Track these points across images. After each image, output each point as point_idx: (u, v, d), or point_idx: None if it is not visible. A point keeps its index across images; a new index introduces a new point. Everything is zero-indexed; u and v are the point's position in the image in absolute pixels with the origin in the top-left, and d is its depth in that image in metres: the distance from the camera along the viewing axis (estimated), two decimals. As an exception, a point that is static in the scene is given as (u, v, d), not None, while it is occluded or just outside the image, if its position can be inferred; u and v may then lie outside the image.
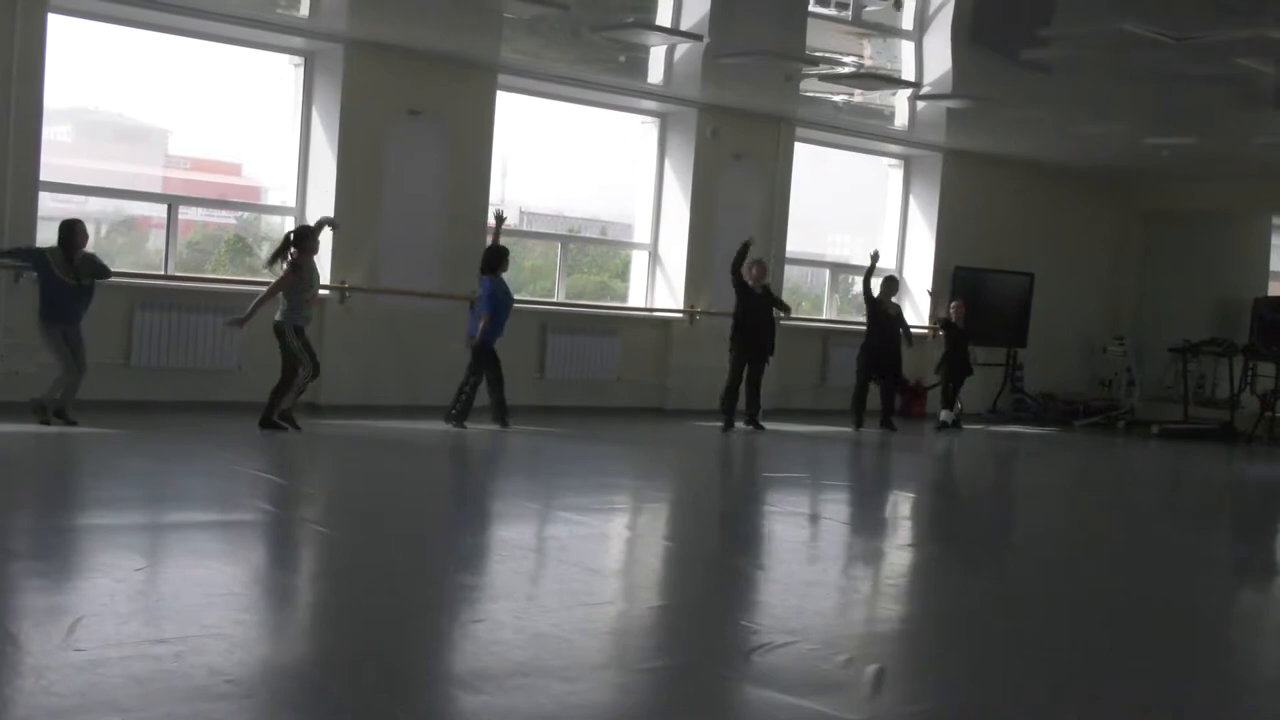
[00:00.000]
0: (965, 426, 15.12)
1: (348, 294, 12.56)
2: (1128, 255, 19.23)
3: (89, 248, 10.30)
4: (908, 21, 11.77)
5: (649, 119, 15.12)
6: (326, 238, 11.98)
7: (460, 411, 11.73)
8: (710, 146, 14.87)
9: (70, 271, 10.08)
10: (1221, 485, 13.71)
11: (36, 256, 10.21)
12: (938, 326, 15.65)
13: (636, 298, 15.22)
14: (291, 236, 10.95)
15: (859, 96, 13.99)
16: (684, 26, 11.19)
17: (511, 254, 12.25)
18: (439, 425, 11.96)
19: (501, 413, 11.83)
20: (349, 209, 12.56)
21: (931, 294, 16.44)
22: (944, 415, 14.95)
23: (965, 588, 7.30)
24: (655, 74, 13.41)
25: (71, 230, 10.15)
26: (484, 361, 11.76)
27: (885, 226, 17.64)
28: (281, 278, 10.77)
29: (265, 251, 11.71)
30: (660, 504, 9.87)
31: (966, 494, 11.68)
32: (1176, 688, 5.51)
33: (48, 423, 9.89)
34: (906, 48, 12.06)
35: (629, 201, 15.50)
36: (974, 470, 12.71)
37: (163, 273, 11.96)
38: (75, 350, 10.17)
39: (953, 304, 15.44)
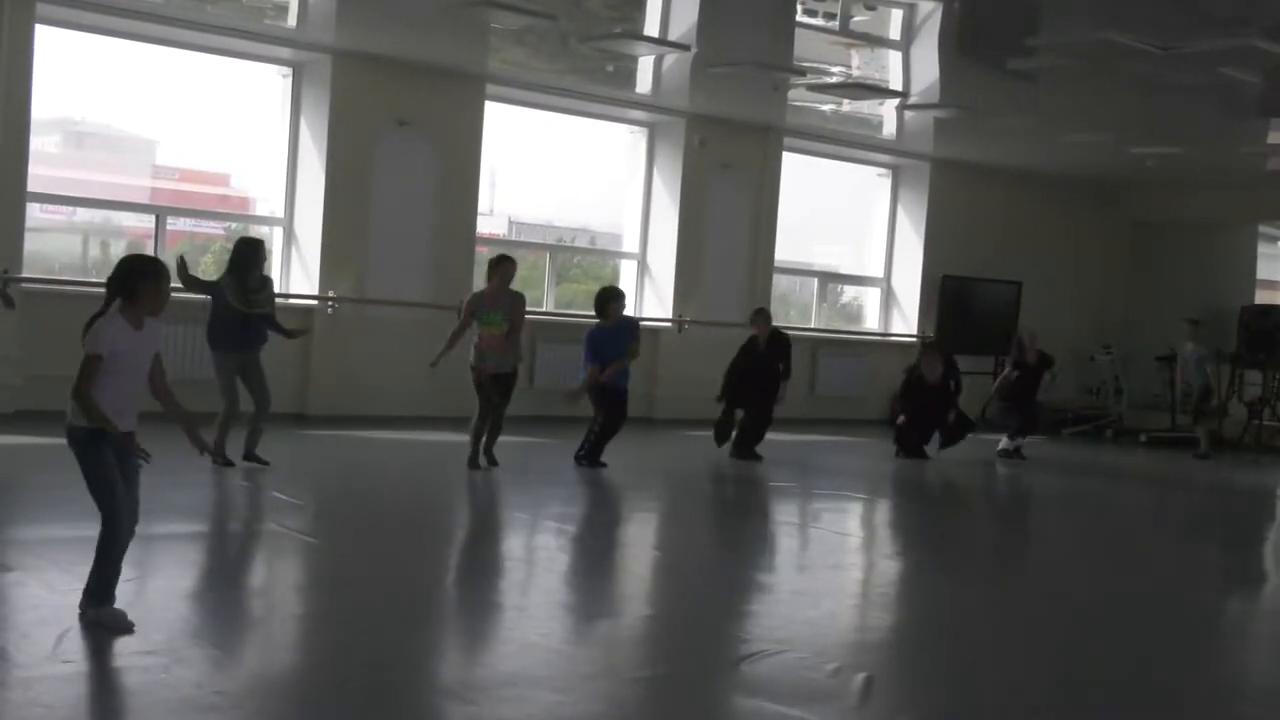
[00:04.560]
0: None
1: (335, 304, 12.56)
2: (1115, 264, 19.29)
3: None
4: (895, 31, 11.82)
5: (637, 129, 15.15)
6: (312, 243, 11.93)
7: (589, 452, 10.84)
8: (698, 156, 14.90)
9: (243, 296, 9.30)
10: (1210, 493, 13.74)
11: (212, 287, 9.45)
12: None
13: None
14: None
15: (847, 106, 14.04)
16: (672, 37, 11.21)
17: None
18: (426, 435, 11.96)
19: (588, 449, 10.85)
20: (337, 219, 12.56)
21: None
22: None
23: (953, 596, 7.31)
24: (643, 84, 13.43)
25: (252, 250, 9.47)
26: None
27: (873, 236, 17.69)
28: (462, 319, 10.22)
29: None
30: (649, 513, 9.87)
31: (955, 503, 11.69)
32: (1168, 695, 5.52)
33: (229, 464, 9.15)
34: (894, 58, 12.10)
35: (617, 211, 15.52)
36: (963, 479, 12.73)
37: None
38: (253, 387, 9.38)
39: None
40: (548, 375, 13.75)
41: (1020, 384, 14.17)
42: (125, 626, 5.07)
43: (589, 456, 10.75)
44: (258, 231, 13.15)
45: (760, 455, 12.02)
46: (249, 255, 9.42)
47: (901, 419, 13.31)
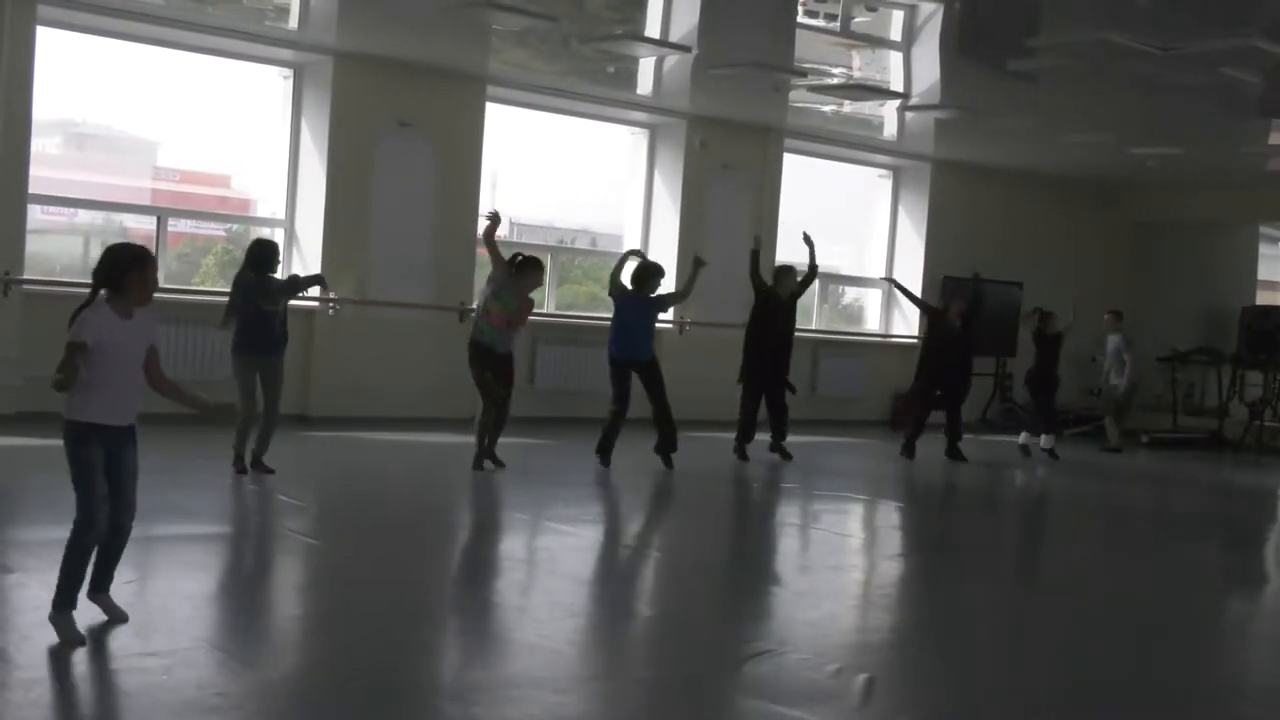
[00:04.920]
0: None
1: (336, 305, 12.57)
2: (1116, 265, 19.29)
3: None
4: (896, 32, 11.84)
5: (638, 130, 15.15)
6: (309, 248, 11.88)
7: (665, 447, 10.98)
8: (699, 157, 14.90)
9: (264, 296, 9.02)
10: (1211, 494, 13.73)
11: (235, 294, 9.17)
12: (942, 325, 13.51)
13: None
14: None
15: (848, 107, 14.04)
16: (673, 38, 11.22)
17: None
18: (427, 437, 11.97)
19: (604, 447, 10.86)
20: (338, 221, 12.57)
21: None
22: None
23: (954, 597, 7.31)
24: (644, 85, 13.44)
25: (261, 250, 9.17)
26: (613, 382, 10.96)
27: (874, 236, 17.69)
28: (500, 262, 10.05)
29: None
30: (650, 514, 9.87)
31: (956, 504, 11.69)
32: (1168, 695, 5.52)
33: (243, 471, 9.04)
34: (895, 58, 12.11)
35: (619, 212, 15.52)
36: (964, 480, 12.73)
37: (151, 285, 11.91)
38: (267, 392, 9.09)
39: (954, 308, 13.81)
40: (549, 376, 13.77)
41: (1038, 369, 14.12)
42: (76, 639, 4.88)
43: (601, 452, 10.82)
44: (259, 233, 13.17)
45: (790, 454, 12.16)
46: (256, 255, 9.23)
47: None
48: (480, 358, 10.03)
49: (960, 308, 13.39)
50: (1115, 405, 15.58)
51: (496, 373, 10.06)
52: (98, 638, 5.03)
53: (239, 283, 9.23)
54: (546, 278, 10.51)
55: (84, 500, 5.01)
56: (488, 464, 10.11)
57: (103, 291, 5.02)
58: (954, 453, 13.28)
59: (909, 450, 13.17)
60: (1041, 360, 14.14)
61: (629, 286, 11.11)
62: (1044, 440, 14.28)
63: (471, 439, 10.24)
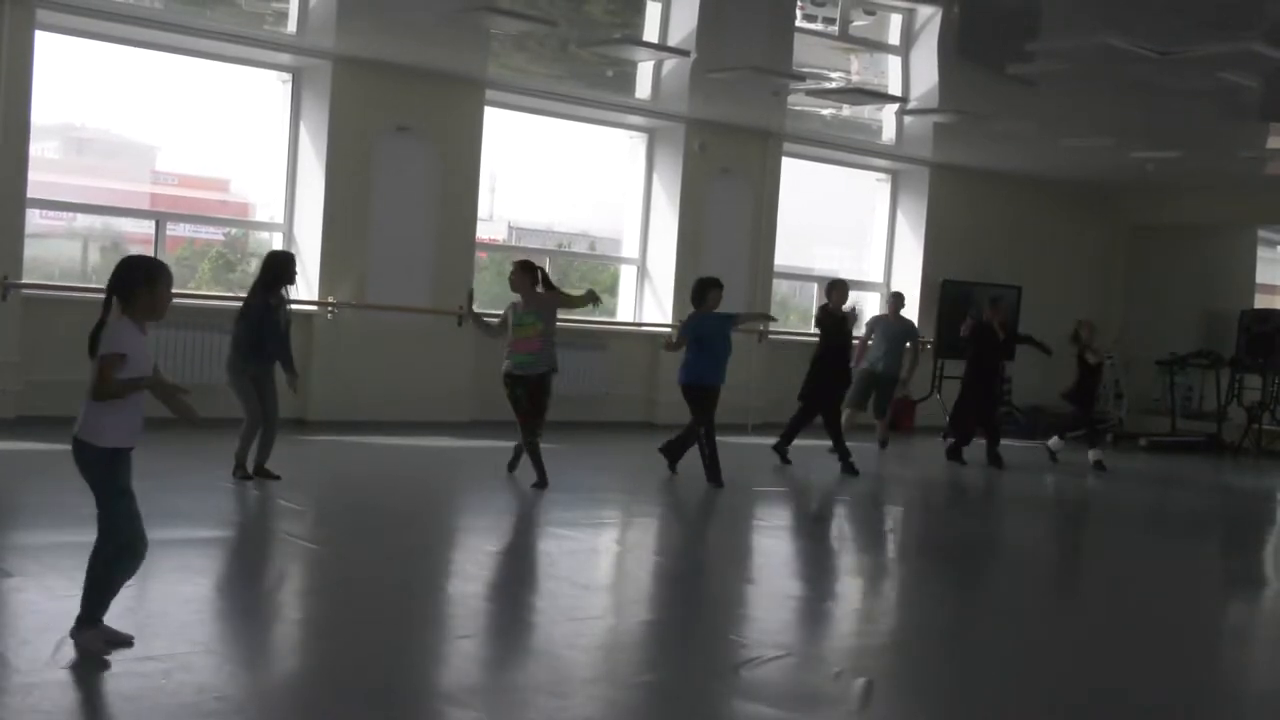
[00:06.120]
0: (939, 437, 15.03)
1: (335, 310, 12.57)
2: (1114, 268, 19.31)
3: None
4: (894, 36, 11.86)
5: (637, 134, 15.16)
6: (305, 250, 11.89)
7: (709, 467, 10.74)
8: (698, 161, 14.91)
9: (267, 310, 8.96)
10: (1211, 496, 13.73)
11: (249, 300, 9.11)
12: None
13: (625, 312, 15.24)
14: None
15: (846, 111, 14.05)
16: (671, 42, 11.24)
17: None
18: (426, 441, 11.96)
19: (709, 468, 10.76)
20: (337, 225, 12.57)
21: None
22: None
23: (955, 601, 7.31)
24: (643, 89, 13.45)
25: (284, 264, 9.09)
26: (691, 403, 10.90)
27: (873, 240, 17.71)
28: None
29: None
30: (649, 518, 9.86)
31: (956, 507, 11.69)
32: (1167, 699, 5.52)
33: (248, 478, 8.96)
34: (893, 62, 12.13)
35: (617, 216, 15.53)
36: (964, 482, 12.73)
37: (150, 289, 11.90)
38: (265, 399, 9.08)
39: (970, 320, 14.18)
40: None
41: (1081, 386, 14.05)
42: (102, 648, 4.81)
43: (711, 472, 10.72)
44: (256, 237, 13.18)
45: (790, 460, 12.23)
46: (286, 268, 9.12)
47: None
48: (512, 382, 9.96)
49: (1001, 318, 13.69)
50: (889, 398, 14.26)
51: (529, 392, 9.93)
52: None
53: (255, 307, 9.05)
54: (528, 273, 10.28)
55: (124, 526, 4.92)
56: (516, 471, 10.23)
57: (115, 305, 4.86)
58: (996, 459, 13.42)
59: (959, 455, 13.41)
60: (1083, 382, 14.09)
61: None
62: (1056, 440, 14.48)
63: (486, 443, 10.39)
